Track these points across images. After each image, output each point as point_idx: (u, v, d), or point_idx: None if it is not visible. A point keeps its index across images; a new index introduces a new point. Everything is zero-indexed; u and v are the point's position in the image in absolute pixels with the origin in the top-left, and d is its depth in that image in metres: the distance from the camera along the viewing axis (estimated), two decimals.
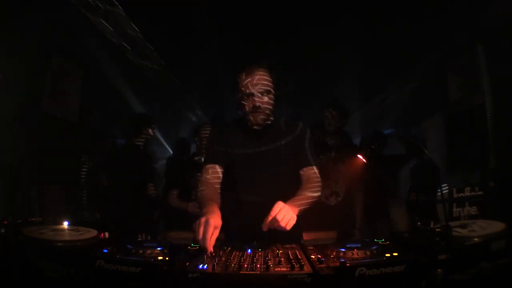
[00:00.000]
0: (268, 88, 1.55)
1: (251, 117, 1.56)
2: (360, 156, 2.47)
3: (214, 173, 1.61)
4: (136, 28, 3.41)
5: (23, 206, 2.72)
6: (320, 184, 1.60)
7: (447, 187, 3.20)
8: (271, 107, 1.59)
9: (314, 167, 1.63)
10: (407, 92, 4.92)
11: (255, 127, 1.58)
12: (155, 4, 3.11)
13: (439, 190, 3.25)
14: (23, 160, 2.72)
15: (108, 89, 4.14)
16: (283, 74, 1.61)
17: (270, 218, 1.23)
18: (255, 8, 3.25)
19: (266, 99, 1.55)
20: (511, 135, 2.84)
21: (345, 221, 2.81)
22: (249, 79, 1.53)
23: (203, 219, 1.18)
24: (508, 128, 2.85)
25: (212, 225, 1.17)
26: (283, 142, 1.62)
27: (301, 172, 1.63)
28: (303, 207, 1.44)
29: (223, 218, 1.37)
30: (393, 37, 3.53)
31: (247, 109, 1.55)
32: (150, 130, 3.20)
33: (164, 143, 6.14)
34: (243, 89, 1.54)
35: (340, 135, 3.00)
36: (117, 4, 2.98)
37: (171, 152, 5.76)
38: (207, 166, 1.63)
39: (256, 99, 1.53)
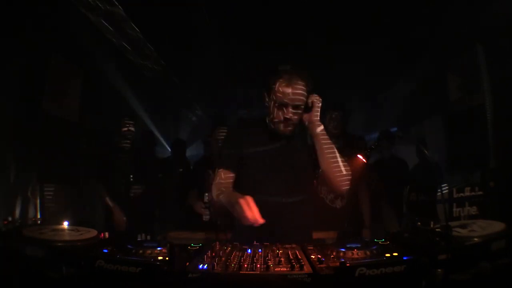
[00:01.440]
0: (304, 100, 1.51)
1: (280, 127, 1.53)
2: (360, 156, 2.47)
3: (227, 178, 1.60)
4: (136, 28, 3.41)
5: (23, 206, 2.72)
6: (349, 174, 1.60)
7: (447, 187, 3.20)
8: (299, 119, 1.56)
9: None
10: (407, 92, 4.92)
11: (281, 134, 1.57)
12: (155, 4, 3.11)
13: (439, 190, 3.24)
14: (23, 160, 2.72)
15: (108, 89, 4.14)
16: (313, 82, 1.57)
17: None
18: (255, 8, 3.26)
19: (299, 111, 1.52)
20: (511, 135, 2.84)
21: (351, 222, 2.80)
22: (288, 90, 1.47)
23: (246, 199, 1.28)
24: (508, 128, 2.85)
25: (252, 201, 1.28)
26: (303, 146, 1.63)
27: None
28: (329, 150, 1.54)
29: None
30: (393, 37, 3.53)
31: (277, 118, 1.52)
32: (126, 128, 3.15)
33: (164, 143, 6.14)
34: (279, 98, 1.49)
35: (343, 137, 2.97)
36: (117, 4, 2.98)
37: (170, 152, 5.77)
38: (220, 170, 1.61)
39: (290, 111, 1.49)
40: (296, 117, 1.52)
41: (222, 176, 1.60)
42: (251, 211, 1.25)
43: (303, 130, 1.65)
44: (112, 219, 2.94)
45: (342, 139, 2.94)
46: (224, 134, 2.73)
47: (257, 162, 1.60)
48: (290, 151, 1.60)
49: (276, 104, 1.50)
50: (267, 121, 1.62)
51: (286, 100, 1.48)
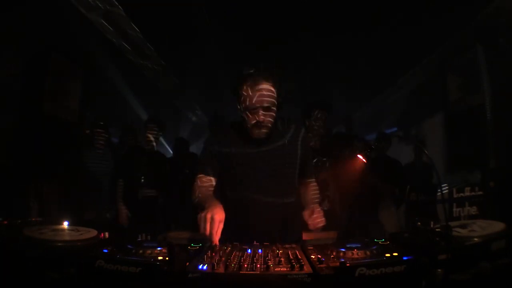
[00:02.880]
0: (273, 102, 1.50)
1: (254, 131, 1.52)
2: (360, 156, 2.46)
3: (206, 181, 1.59)
4: (136, 28, 3.41)
5: (23, 206, 2.72)
6: (318, 191, 1.75)
7: (447, 187, 3.21)
8: (273, 119, 1.54)
9: (313, 179, 1.77)
10: (407, 92, 4.92)
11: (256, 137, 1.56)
12: (155, 4, 3.11)
13: (439, 190, 3.24)
14: (23, 160, 2.72)
15: (108, 89, 4.14)
16: (284, 80, 1.55)
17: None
18: (255, 8, 3.26)
19: (270, 113, 1.50)
20: (511, 135, 2.84)
21: (340, 223, 2.80)
22: (254, 94, 1.46)
23: (208, 215, 1.23)
24: (508, 128, 2.85)
25: (217, 220, 1.23)
26: (283, 144, 1.61)
27: (303, 181, 1.72)
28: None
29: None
30: (394, 37, 3.53)
31: (250, 123, 1.51)
32: (149, 135, 3.21)
33: (164, 143, 6.13)
34: (247, 103, 1.47)
35: (326, 137, 2.97)
36: (117, 4, 2.98)
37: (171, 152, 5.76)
38: (200, 175, 1.60)
39: (261, 114, 1.48)
40: (268, 119, 1.50)
41: (202, 180, 1.59)
42: (208, 231, 1.22)
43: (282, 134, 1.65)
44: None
45: (327, 138, 2.94)
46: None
47: (240, 162, 1.59)
48: (271, 155, 1.59)
49: (247, 110, 1.49)
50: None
51: (256, 105, 1.46)
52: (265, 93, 1.47)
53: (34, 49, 2.80)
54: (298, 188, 1.70)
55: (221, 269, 0.95)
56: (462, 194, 2.99)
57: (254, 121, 1.49)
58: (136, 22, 3.35)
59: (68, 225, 1.34)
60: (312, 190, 1.74)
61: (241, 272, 0.94)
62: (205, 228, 1.22)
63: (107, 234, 1.27)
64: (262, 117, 1.48)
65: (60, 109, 3.15)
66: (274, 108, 1.52)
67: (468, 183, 3.01)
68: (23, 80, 2.75)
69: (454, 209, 3.01)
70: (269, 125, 1.53)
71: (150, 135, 3.23)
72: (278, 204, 1.57)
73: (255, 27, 3.53)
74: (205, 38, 3.77)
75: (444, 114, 3.80)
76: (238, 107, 1.55)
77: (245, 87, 1.48)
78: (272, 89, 1.49)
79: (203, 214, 1.25)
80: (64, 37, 3.10)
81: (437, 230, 1.11)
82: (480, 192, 2.87)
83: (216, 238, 1.21)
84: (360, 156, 2.46)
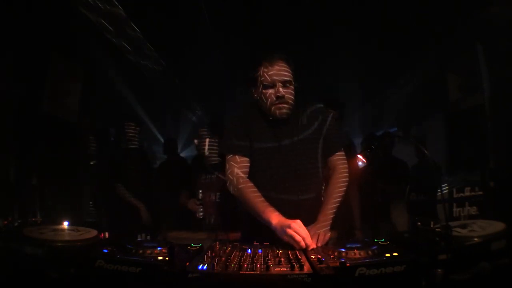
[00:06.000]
0: (290, 79, 1.52)
1: (275, 109, 1.52)
2: (360, 156, 2.46)
3: (243, 162, 1.53)
4: (136, 28, 3.41)
5: (23, 206, 2.72)
6: (346, 171, 1.64)
7: (447, 187, 3.20)
8: (293, 98, 1.55)
9: (342, 152, 1.67)
10: (407, 92, 4.92)
11: (278, 118, 1.54)
12: (155, 4, 3.11)
13: (439, 190, 3.24)
14: (23, 160, 2.72)
15: (107, 89, 4.14)
16: (298, 66, 1.59)
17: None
18: (255, 9, 3.26)
19: (289, 90, 1.52)
20: (511, 135, 2.84)
21: (344, 221, 2.80)
22: (271, 70, 1.50)
23: (292, 230, 1.23)
24: (508, 128, 2.85)
25: (302, 231, 1.24)
26: (307, 134, 1.59)
27: (329, 158, 1.66)
28: (333, 215, 1.51)
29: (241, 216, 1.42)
30: (394, 36, 3.53)
31: (270, 101, 1.51)
32: (131, 130, 3.15)
33: (161, 138, 6.13)
34: (264, 80, 1.51)
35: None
36: (117, 4, 2.98)
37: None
38: (233, 156, 1.53)
39: (281, 89, 1.50)
40: (288, 95, 1.52)
41: (238, 161, 1.52)
42: (311, 243, 1.23)
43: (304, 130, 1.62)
44: (140, 216, 2.99)
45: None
46: (229, 122, 2.70)
47: (264, 155, 1.56)
48: (285, 150, 1.57)
49: (265, 88, 1.52)
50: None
51: (274, 79, 1.50)
52: (282, 67, 1.51)
53: (35, 49, 2.80)
54: (323, 178, 1.66)
55: (221, 269, 0.95)
56: (462, 194, 2.99)
57: (274, 97, 1.50)
58: (136, 22, 3.35)
59: (68, 225, 1.34)
60: (333, 192, 1.58)
61: (241, 272, 0.93)
62: (304, 241, 1.22)
63: (107, 234, 1.27)
64: (282, 92, 1.50)
65: (60, 109, 3.15)
66: (292, 87, 1.54)
67: (468, 183, 3.00)
68: (23, 80, 2.75)
69: (454, 209, 3.01)
70: (290, 101, 1.53)
71: (131, 133, 3.18)
72: (293, 201, 1.53)
73: (255, 28, 3.53)
74: (206, 38, 3.77)
75: (444, 114, 3.81)
76: (255, 95, 1.57)
77: (262, 68, 1.52)
78: (287, 67, 1.53)
79: (288, 234, 1.23)
80: (64, 37, 3.10)
81: (437, 230, 1.11)
82: (480, 192, 2.86)
83: (313, 244, 1.25)
84: (360, 156, 2.45)
